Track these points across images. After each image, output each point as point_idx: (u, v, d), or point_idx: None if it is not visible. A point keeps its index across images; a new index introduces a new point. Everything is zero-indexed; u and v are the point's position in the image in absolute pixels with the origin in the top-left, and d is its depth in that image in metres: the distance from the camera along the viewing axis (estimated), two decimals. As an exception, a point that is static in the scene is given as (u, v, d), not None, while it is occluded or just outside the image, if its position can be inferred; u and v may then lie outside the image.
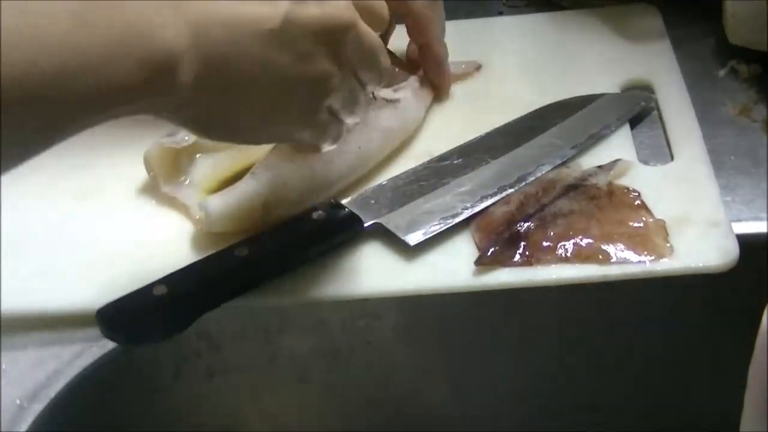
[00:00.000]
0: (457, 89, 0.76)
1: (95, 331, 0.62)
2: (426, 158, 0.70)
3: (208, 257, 0.60)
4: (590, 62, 0.77)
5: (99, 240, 0.67)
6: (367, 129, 0.68)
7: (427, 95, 0.74)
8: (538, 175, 0.67)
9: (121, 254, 0.65)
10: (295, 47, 0.54)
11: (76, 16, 0.46)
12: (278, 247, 0.61)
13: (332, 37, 0.56)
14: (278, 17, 0.53)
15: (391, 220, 0.64)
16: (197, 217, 0.65)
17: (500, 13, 0.85)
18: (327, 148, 0.62)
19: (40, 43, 0.44)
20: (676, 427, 0.74)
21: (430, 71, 0.75)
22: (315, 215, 0.63)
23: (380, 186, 0.67)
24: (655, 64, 0.76)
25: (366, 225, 0.64)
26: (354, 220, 0.63)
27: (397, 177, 0.67)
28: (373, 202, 0.65)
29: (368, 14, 0.59)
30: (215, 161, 0.69)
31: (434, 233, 0.63)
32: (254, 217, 0.63)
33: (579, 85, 0.74)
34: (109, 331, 0.57)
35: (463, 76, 0.77)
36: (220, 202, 0.63)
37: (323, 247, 0.63)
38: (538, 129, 0.71)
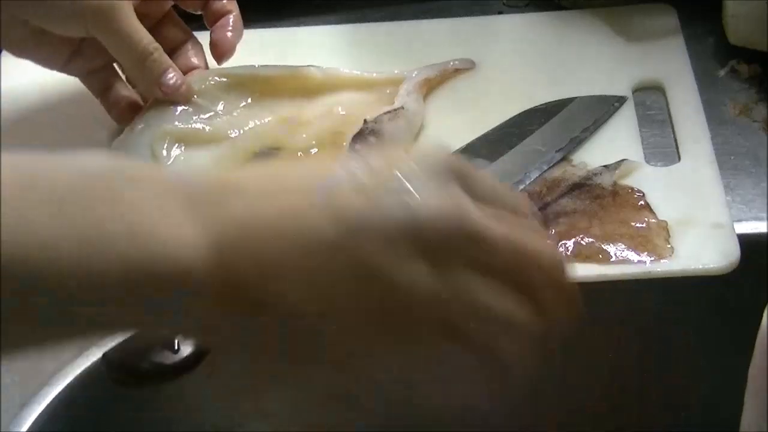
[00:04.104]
0: (458, 87, 0.76)
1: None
2: None
3: None
4: (596, 62, 0.77)
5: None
6: (385, 141, 0.68)
7: (421, 91, 0.74)
8: (527, 182, 0.67)
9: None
10: (363, 261, 0.39)
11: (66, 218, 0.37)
12: None
13: (427, 248, 0.39)
14: (334, 228, 0.39)
15: None
16: None
17: (500, 13, 0.85)
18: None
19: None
20: (676, 428, 0.74)
21: (219, 29, 0.72)
22: None
23: None
24: (667, 65, 0.76)
25: None
26: None
27: None
28: None
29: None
30: (211, 157, 0.69)
31: None
32: None
33: (585, 85, 0.74)
34: (118, 375, 0.57)
35: (457, 74, 0.77)
36: None
37: None
38: (516, 137, 0.70)
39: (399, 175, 0.40)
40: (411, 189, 0.40)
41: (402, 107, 0.71)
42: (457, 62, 0.77)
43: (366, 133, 0.67)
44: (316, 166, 0.43)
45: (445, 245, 0.40)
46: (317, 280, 0.39)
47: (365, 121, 0.68)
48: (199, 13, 0.75)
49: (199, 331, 0.41)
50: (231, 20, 0.73)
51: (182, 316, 0.39)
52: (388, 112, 0.70)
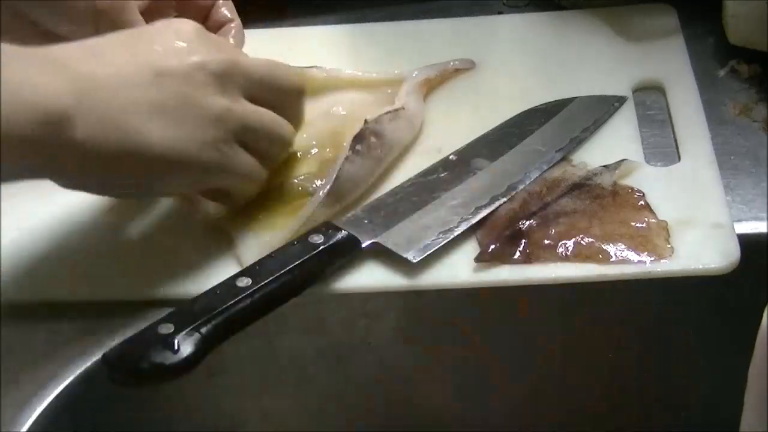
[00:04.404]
0: (458, 87, 0.76)
1: (95, 331, 0.62)
2: (434, 154, 0.70)
3: (210, 290, 0.59)
4: (596, 62, 0.77)
5: (104, 230, 0.67)
6: (386, 142, 0.68)
7: (421, 91, 0.74)
8: (527, 182, 0.67)
9: (125, 244, 0.66)
10: (174, 93, 0.58)
11: None
12: (281, 276, 0.60)
13: (212, 77, 0.59)
14: (149, 74, 0.57)
15: (390, 239, 0.63)
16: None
17: (500, 13, 0.85)
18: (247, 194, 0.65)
19: None
20: (676, 427, 0.74)
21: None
22: (312, 238, 0.62)
23: (370, 205, 0.66)
24: (667, 65, 0.76)
25: (364, 245, 0.63)
26: (352, 241, 0.63)
27: (386, 195, 0.67)
28: (366, 221, 0.64)
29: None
30: None
31: (435, 248, 0.63)
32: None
33: (585, 85, 0.74)
34: (118, 375, 0.57)
35: (457, 73, 0.77)
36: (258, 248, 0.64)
37: (325, 272, 0.62)
38: (516, 137, 0.70)
39: (182, 41, 0.60)
40: (197, 48, 0.60)
41: (402, 107, 0.71)
42: (457, 62, 0.77)
43: (366, 134, 0.67)
44: (132, 42, 0.60)
45: (223, 75, 0.60)
46: (149, 108, 0.56)
47: (366, 121, 0.68)
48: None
49: (77, 169, 0.55)
50: (232, 30, 0.73)
51: (66, 155, 0.54)
52: (389, 112, 0.70)
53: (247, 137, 0.61)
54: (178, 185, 0.62)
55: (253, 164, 0.63)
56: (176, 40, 0.59)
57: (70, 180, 0.58)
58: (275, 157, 0.65)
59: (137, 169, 0.57)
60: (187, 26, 0.61)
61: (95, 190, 0.60)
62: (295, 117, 0.66)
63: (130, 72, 0.57)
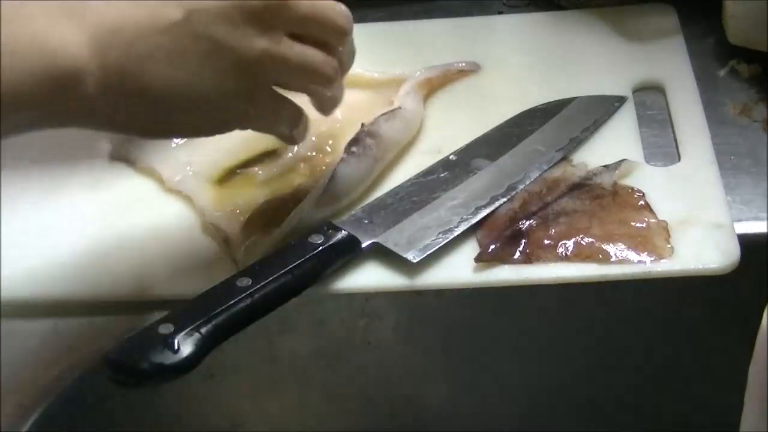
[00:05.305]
0: (457, 87, 0.76)
1: (95, 331, 0.63)
2: (434, 154, 0.70)
3: (210, 290, 0.59)
4: (596, 62, 0.77)
5: (104, 230, 0.67)
6: (382, 141, 0.68)
7: (421, 91, 0.74)
8: (527, 182, 0.67)
9: (125, 244, 0.66)
10: (207, 35, 0.54)
11: None
12: (281, 276, 0.60)
13: (252, 16, 0.55)
14: (179, 11, 0.53)
15: (390, 239, 0.63)
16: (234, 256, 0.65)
17: (500, 13, 0.85)
18: (295, 136, 0.61)
19: None
20: (676, 427, 0.74)
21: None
22: (312, 238, 0.62)
23: (371, 205, 0.66)
24: (667, 65, 0.76)
25: (364, 245, 0.63)
26: (352, 241, 0.63)
27: (386, 195, 0.67)
28: (367, 221, 0.64)
29: None
30: (216, 147, 0.70)
31: (435, 248, 0.63)
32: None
33: (585, 85, 0.74)
34: (118, 375, 0.57)
35: (461, 75, 0.77)
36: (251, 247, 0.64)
37: (325, 272, 0.62)
38: (516, 137, 0.70)
39: None
40: None
41: (399, 107, 0.71)
42: (462, 64, 0.77)
43: (362, 136, 0.67)
44: None
45: (266, 14, 0.55)
46: (175, 53, 0.53)
47: (362, 125, 0.68)
48: None
49: (87, 117, 0.53)
50: None
51: (76, 108, 0.52)
52: (385, 113, 0.70)
53: (287, 78, 0.58)
54: (209, 128, 0.59)
55: (292, 106, 0.60)
56: None
57: (95, 126, 0.56)
58: (319, 97, 0.62)
59: (161, 116, 0.55)
60: None
61: (125, 133, 0.60)
62: (342, 58, 0.61)
63: (156, 16, 0.53)
